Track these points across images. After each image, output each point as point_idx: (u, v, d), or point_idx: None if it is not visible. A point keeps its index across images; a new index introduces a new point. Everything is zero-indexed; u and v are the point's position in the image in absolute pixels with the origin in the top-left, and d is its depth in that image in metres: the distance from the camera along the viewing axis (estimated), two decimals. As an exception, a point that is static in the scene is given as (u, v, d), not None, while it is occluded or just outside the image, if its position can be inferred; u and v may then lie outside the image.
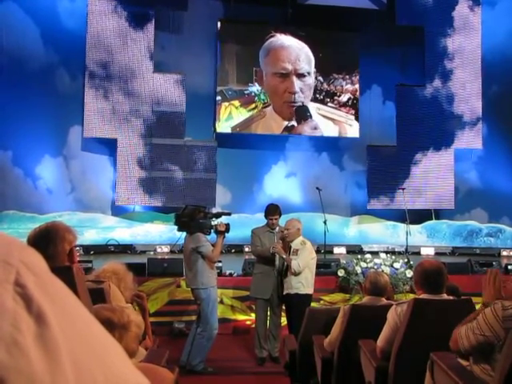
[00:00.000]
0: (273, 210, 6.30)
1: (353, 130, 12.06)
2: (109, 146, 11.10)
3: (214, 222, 5.82)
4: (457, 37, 12.11)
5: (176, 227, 5.99)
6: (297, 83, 11.69)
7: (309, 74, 11.82)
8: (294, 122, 11.74)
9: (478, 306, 3.72)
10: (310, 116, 11.76)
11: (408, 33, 11.95)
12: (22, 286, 0.51)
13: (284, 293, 5.90)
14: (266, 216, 6.34)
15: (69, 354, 0.50)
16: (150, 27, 11.10)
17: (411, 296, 5.64)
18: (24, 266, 0.52)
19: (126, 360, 0.58)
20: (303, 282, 5.81)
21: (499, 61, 12.00)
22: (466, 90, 12.08)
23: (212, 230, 5.77)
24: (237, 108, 11.64)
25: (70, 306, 0.55)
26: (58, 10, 10.96)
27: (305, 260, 5.82)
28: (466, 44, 12.12)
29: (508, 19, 12.22)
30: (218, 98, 11.58)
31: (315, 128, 11.88)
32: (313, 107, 11.84)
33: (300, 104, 11.73)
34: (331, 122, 11.96)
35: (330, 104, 11.94)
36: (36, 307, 0.50)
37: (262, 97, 11.70)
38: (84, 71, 10.89)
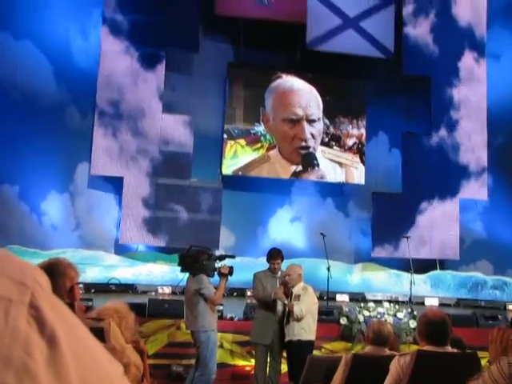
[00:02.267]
0: (275, 254, 6.28)
1: (358, 176, 12.07)
2: (115, 184, 11.14)
3: (218, 264, 5.80)
4: (463, 87, 12.26)
5: (179, 267, 5.96)
6: (307, 129, 11.73)
7: (319, 119, 11.83)
8: (300, 167, 11.75)
9: (483, 361, 3.65)
10: (317, 165, 11.76)
11: (415, 82, 12.10)
12: (37, 308, 0.51)
13: (286, 340, 5.82)
14: (268, 260, 6.31)
15: (78, 377, 0.50)
16: (161, 68, 11.27)
17: (414, 347, 5.55)
18: (38, 285, 0.52)
19: None
20: (305, 328, 5.74)
21: (504, 112, 12.12)
22: (472, 140, 12.16)
23: (215, 273, 5.74)
24: (242, 147, 11.69)
25: (78, 328, 0.55)
26: (71, 48, 11.19)
27: (307, 305, 5.76)
28: (472, 95, 12.26)
29: (512, 72, 12.43)
30: (224, 136, 11.65)
31: (322, 177, 11.89)
32: (319, 150, 11.87)
33: (311, 151, 11.73)
34: (338, 165, 11.99)
35: (335, 147, 11.98)
36: (49, 330, 0.50)
37: (269, 137, 11.74)
38: (94, 109, 11.02)
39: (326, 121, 11.98)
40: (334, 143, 12.00)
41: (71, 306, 2.41)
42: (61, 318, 0.52)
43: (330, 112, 11.99)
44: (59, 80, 11.04)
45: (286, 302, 5.84)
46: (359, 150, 12.10)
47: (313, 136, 11.75)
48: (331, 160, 11.94)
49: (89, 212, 11.15)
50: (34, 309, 0.51)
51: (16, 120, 10.49)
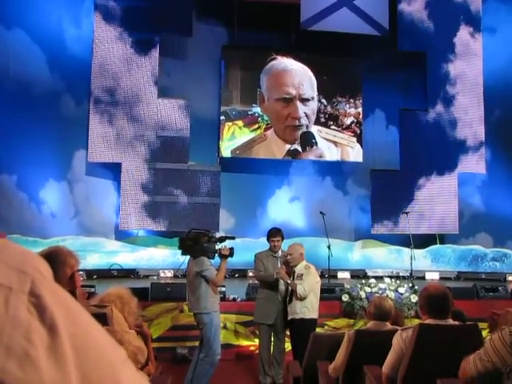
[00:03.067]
0: (275, 232, 6.31)
1: (356, 154, 12.08)
2: (113, 171, 11.13)
3: (218, 246, 5.81)
4: (458, 62, 12.20)
5: (180, 251, 5.98)
6: (301, 108, 11.73)
7: (312, 98, 11.86)
8: (297, 146, 11.75)
9: (484, 332, 3.69)
10: (316, 143, 11.78)
11: (410, 58, 12.05)
12: (37, 295, 0.51)
13: (289, 318, 5.85)
14: (268, 239, 6.33)
15: (78, 364, 0.51)
16: (155, 53, 11.20)
17: (416, 321, 5.59)
18: (39, 273, 0.52)
19: (134, 370, 0.58)
20: (308, 307, 5.76)
21: (501, 86, 12.07)
22: (469, 114, 12.12)
23: (216, 255, 5.76)
24: (240, 128, 11.69)
25: (79, 315, 0.56)
26: (64, 36, 11.10)
27: (310, 284, 5.79)
28: (468, 70, 12.20)
29: (508, 45, 12.35)
30: (222, 117, 11.65)
31: (320, 156, 11.92)
32: (315, 130, 11.87)
33: (304, 129, 11.75)
34: (333, 144, 12.00)
35: (332, 127, 11.98)
36: (49, 317, 0.51)
37: (266, 117, 11.75)
38: (89, 96, 10.98)
39: (324, 100, 11.96)
40: (331, 123, 11.99)
41: (72, 293, 2.42)
42: (62, 305, 0.53)
43: (326, 91, 11.96)
44: (53, 68, 10.97)
45: (288, 281, 5.86)
46: (357, 129, 12.09)
47: (306, 115, 11.76)
48: (327, 139, 11.94)
49: (87, 199, 11.15)
50: (35, 297, 0.51)
51: (11, 110, 10.45)
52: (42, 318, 0.50)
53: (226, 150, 11.67)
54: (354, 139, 12.06)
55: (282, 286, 6.08)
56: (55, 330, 0.51)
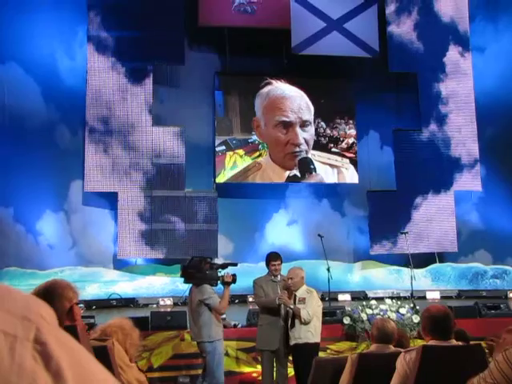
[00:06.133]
0: (274, 256, 6.29)
1: (352, 175, 12.07)
2: (109, 200, 11.12)
3: (221, 272, 5.78)
4: (449, 82, 12.32)
5: (182, 279, 5.94)
6: (300, 134, 11.72)
7: (310, 123, 11.83)
8: (296, 172, 11.64)
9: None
10: (315, 169, 11.73)
11: (402, 79, 12.16)
12: (42, 343, 0.51)
13: (292, 343, 5.80)
14: (267, 263, 6.30)
15: None
16: (148, 82, 11.27)
17: (419, 342, 5.56)
18: (43, 319, 0.52)
19: None
20: (312, 331, 5.73)
21: (492, 104, 12.17)
22: (462, 133, 12.20)
23: (219, 282, 5.73)
24: (241, 157, 11.66)
25: (84, 359, 0.55)
26: (58, 67, 11.17)
27: (313, 308, 5.76)
28: (459, 88, 12.31)
29: (497, 63, 12.51)
30: (223, 147, 11.56)
31: (320, 181, 11.88)
32: (309, 154, 11.83)
33: (304, 156, 11.71)
34: (329, 167, 11.97)
35: (328, 150, 11.96)
36: (55, 364, 0.51)
37: (266, 144, 11.73)
38: (84, 127, 11.01)
39: (322, 123, 11.95)
40: (329, 146, 11.93)
41: (72, 327, 2.39)
42: (66, 350, 0.53)
43: (321, 115, 11.96)
44: (47, 100, 11.02)
45: (291, 306, 5.82)
46: (352, 150, 12.10)
47: (305, 141, 11.73)
48: (322, 162, 11.91)
49: (85, 229, 11.11)
50: (39, 344, 0.51)
51: (6, 142, 10.48)
52: (48, 365, 0.50)
53: (225, 178, 11.61)
54: (347, 160, 12.05)
55: (282, 311, 6.04)
56: (61, 376, 0.50)
